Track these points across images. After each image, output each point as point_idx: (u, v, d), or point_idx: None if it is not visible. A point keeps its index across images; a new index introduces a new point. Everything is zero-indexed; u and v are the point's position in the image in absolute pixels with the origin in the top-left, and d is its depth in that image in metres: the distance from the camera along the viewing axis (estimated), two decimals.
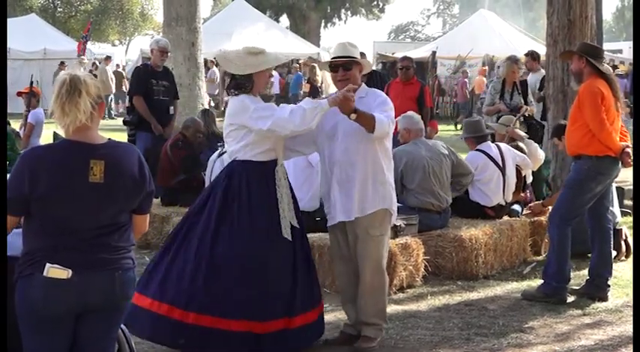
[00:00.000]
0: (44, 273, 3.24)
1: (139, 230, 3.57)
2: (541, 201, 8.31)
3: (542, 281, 6.64)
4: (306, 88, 22.07)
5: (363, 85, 5.39)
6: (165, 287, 4.99)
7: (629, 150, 6.41)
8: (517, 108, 9.70)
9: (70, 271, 3.26)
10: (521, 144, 8.60)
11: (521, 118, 9.60)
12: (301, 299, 5.10)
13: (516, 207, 8.24)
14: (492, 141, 8.26)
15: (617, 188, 8.36)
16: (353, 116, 4.96)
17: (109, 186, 3.32)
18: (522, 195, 8.38)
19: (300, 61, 27.43)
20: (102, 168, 3.30)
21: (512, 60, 10.15)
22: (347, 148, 5.18)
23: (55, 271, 3.25)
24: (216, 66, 26.25)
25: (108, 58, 28.81)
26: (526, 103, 9.83)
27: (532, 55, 12.81)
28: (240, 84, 5.04)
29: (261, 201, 5.03)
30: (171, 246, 5.12)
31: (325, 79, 22.23)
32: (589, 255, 6.93)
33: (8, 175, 3.43)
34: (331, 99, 4.97)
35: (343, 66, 5.25)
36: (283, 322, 5.03)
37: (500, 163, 7.84)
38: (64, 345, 3.38)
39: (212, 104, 23.40)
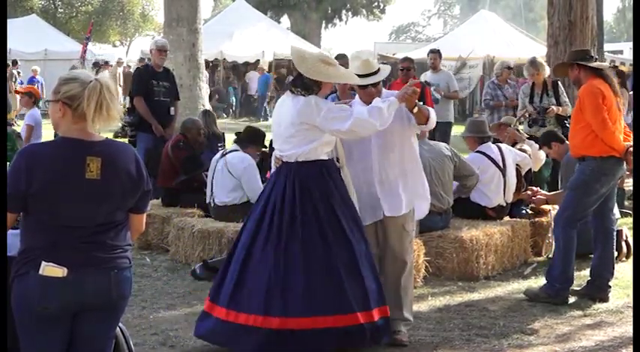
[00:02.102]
0: (40, 271, 3.25)
1: (137, 229, 3.57)
2: (545, 198, 8.30)
3: (544, 281, 6.63)
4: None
5: (384, 90, 5.55)
6: (238, 296, 5.03)
7: (631, 149, 6.35)
8: (545, 110, 9.61)
9: (66, 269, 3.26)
10: (525, 146, 8.59)
11: (522, 119, 9.58)
12: (374, 294, 5.12)
13: (525, 210, 8.24)
14: (493, 142, 8.25)
15: (617, 189, 8.34)
16: (415, 109, 5.21)
17: (105, 182, 3.32)
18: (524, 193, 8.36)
19: None
20: (98, 164, 3.30)
21: (531, 62, 9.93)
22: (384, 148, 5.33)
23: (50, 269, 3.25)
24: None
25: (142, 60, 28.80)
26: (559, 104, 9.62)
27: (439, 53, 12.72)
28: (308, 86, 5.07)
29: (341, 198, 5.12)
30: (237, 256, 5.16)
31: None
32: (590, 255, 6.93)
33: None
34: (400, 96, 5.16)
35: (373, 84, 5.35)
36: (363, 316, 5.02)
37: (500, 164, 7.83)
38: (61, 344, 3.38)
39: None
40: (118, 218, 3.41)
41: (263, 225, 5.10)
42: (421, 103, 5.36)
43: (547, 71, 9.84)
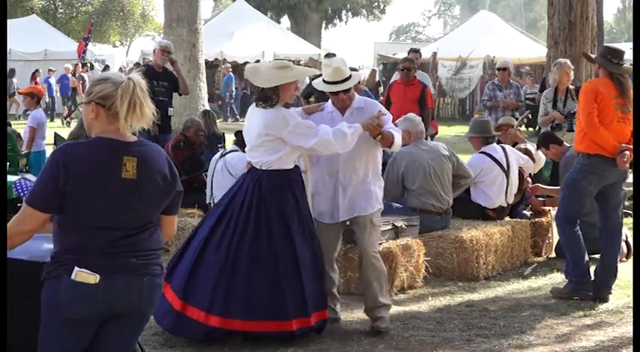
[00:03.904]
0: (72, 277, 3.20)
1: (168, 233, 3.55)
2: (543, 200, 8.30)
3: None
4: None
5: (357, 95, 5.72)
6: (189, 288, 5.29)
7: (627, 153, 6.29)
8: (572, 114, 9.15)
9: (98, 276, 3.21)
10: (528, 146, 8.59)
11: (525, 120, 9.54)
12: (314, 299, 5.36)
13: (525, 211, 8.24)
14: (498, 143, 8.24)
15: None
16: (379, 137, 5.40)
17: (141, 182, 3.29)
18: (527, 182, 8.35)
19: (302, 62, 27.47)
20: (134, 164, 3.28)
21: (562, 64, 9.48)
22: (350, 155, 5.49)
23: (82, 275, 3.20)
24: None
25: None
26: None
27: (419, 52, 12.24)
28: (267, 97, 5.26)
29: (296, 206, 5.35)
30: (194, 244, 5.42)
31: None
32: (593, 255, 6.95)
33: (32, 177, 3.42)
34: (365, 125, 5.36)
35: (344, 90, 5.52)
36: (305, 320, 5.30)
37: (504, 166, 7.82)
38: (80, 348, 3.35)
39: None
40: (152, 219, 3.38)
41: (222, 224, 5.35)
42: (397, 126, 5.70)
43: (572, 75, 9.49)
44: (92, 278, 3.21)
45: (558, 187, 7.90)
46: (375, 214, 5.66)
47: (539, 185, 8.40)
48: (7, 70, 25.32)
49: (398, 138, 5.53)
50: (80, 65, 25.74)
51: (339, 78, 5.46)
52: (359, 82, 10.13)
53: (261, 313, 5.20)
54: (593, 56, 6.74)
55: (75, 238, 3.24)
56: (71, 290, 3.21)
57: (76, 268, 3.20)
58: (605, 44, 7.24)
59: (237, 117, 26.65)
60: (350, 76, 5.50)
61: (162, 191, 3.38)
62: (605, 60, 6.44)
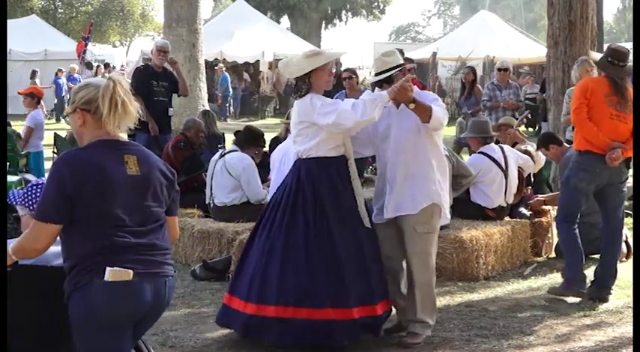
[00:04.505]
0: (105, 278, 3.14)
1: (173, 235, 3.56)
2: (543, 199, 8.30)
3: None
4: None
5: (415, 87, 5.45)
6: (235, 281, 5.41)
7: (618, 149, 6.24)
8: None
9: (131, 271, 3.18)
10: (529, 147, 8.58)
11: (524, 120, 9.52)
12: (357, 291, 5.23)
13: (525, 211, 8.24)
14: (496, 143, 8.23)
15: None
16: (411, 105, 5.18)
17: (146, 178, 3.33)
18: (526, 191, 8.35)
19: None
20: (135, 161, 3.32)
21: (583, 61, 9.05)
22: (397, 148, 5.35)
23: (115, 274, 3.15)
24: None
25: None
26: None
27: (402, 52, 12.32)
28: (298, 87, 5.32)
29: (335, 195, 5.27)
30: (250, 243, 5.49)
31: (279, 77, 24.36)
32: (593, 255, 6.94)
33: (40, 180, 3.40)
34: (390, 91, 5.18)
35: (386, 81, 5.42)
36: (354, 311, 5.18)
37: (503, 165, 7.81)
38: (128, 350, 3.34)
39: None
40: (161, 217, 3.39)
41: (264, 215, 5.43)
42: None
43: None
44: (126, 274, 3.18)
45: (556, 193, 7.92)
46: (419, 217, 5.32)
47: (539, 198, 8.35)
48: (30, 70, 25.40)
49: (438, 112, 5.18)
50: (102, 66, 25.75)
51: (380, 69, 5.46)
52: (357, 82, 10.15)
53: (293, 299, 5.11)
54: (597, 58, 6.71)
55: (96, 241, 3.19)
56: (106, 291, 3.16)
57: (108, 268, 3.15)
58: (610, 44, 7.13)
59: (235, 116, 26.69)
60: (396, 66, 5.42)
61: (167, 186, 3.43)
62: (606, 61, 6.43)
